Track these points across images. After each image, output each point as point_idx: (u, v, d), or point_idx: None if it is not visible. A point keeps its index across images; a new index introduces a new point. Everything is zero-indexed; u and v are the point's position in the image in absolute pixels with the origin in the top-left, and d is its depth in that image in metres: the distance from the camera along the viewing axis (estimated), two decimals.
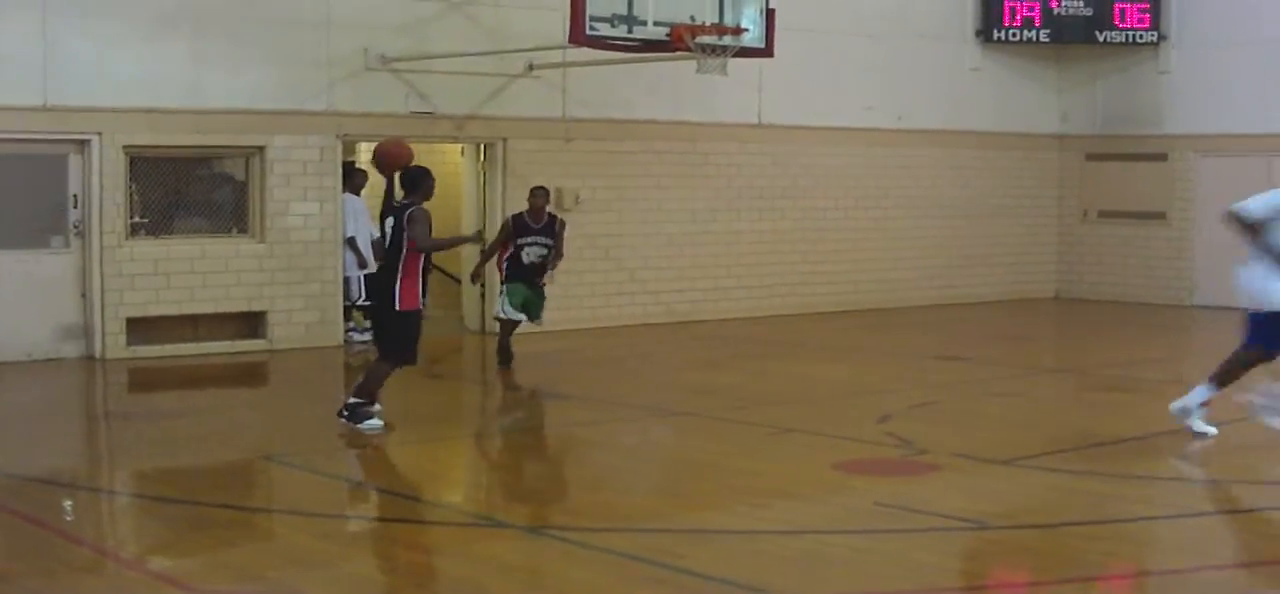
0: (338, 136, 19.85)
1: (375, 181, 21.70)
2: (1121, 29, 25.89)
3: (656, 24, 17.67)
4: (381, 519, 11.42)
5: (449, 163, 22.72)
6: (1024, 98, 26.96)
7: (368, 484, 12.77)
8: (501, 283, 18.23)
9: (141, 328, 18.62)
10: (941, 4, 25.87)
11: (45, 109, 17.86)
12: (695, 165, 22.87)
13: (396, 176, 14.02)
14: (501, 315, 18.04)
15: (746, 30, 18.29)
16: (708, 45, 17.93)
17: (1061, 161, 27.40)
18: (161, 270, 18.72)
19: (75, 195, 18.38)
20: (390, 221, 13.77)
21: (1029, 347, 21.71)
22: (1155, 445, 13.85)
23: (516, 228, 17.92)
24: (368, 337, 20.03)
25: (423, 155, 22.72)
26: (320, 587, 9.08)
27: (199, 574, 9.34)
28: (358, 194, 20.43)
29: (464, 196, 21.65)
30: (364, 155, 22.27)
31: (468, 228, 20.26)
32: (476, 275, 18.78)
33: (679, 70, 19.77)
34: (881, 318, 23.84)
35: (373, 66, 19.84)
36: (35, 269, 18.24)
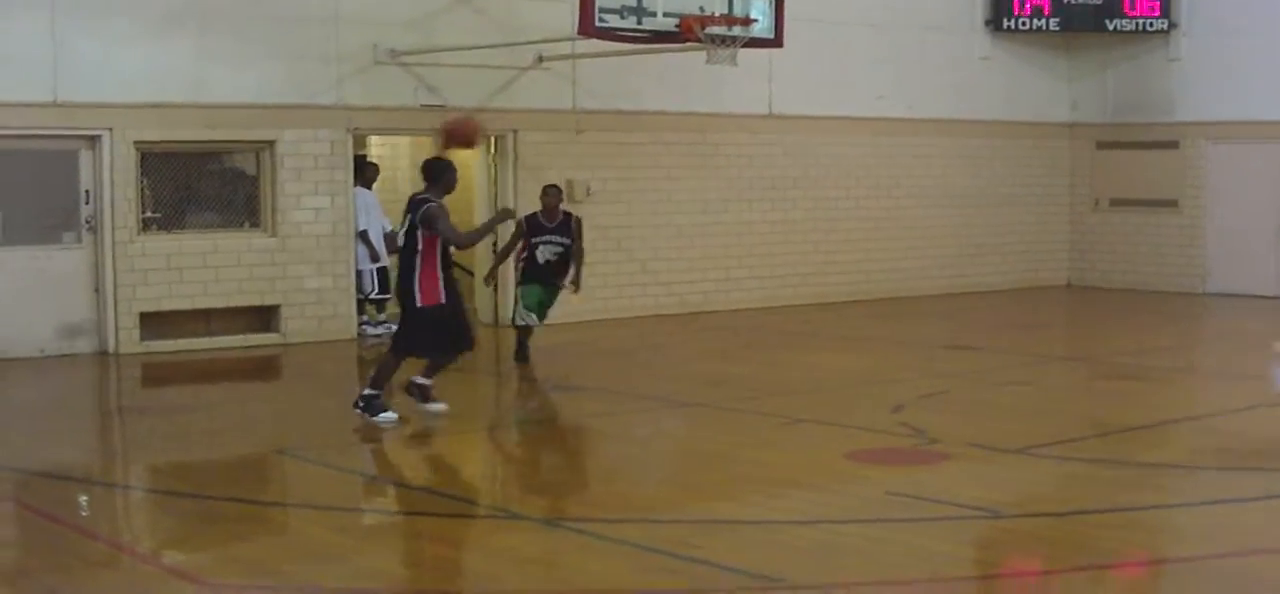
0: (348, 130, 19.86)
1: (386, 175, 21.82)
2: (1131, 17, 25.85)
3: (666, 15, 17.66)
4: (397, 513, 11.44)
5: (459, 156, 22.70)
6: (1034, 87, 26.92)
7: (382, 478, 12.79)
8: (517, 285, 17.84)
9: (154, 323, 18.65)
10: None
11: (55, 105, 17.89)
12: (706, 156, 22.87)
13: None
14: (519, 322, 17.69)
15: (756, 21, 18.28)
16: (717, 36, 17.93)
17: (1072, 150, 27.36)
18: (174, 265, 18.76)
19: (87, 191, 18.41)
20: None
21: (1041, 335, 21.68)
22: (1167, 433, 13.86)
23: (531, 228, 17.49)
24: (382, 329, 20.14)
25: (432, 147, 22.88)
26: (335, 580, 9.09)
27: (213, 569, 9.36)
28: (370, 188, 20.45)
29: (475, 189, 21.64)
30: (375, 149, 22.32)
31: (479, 220, 20.17)
32: (490, 278, 18.27)
33: (689, 61, 19.76)
34: (893, 307, 23.83)
35: (382, 60, 19.86)
36: (48, 265, 18.28)
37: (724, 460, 12.58)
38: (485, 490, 12.36)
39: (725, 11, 18.04)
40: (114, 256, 18.37)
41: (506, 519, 10.85)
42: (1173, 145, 26.00)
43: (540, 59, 20.78)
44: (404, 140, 23.05)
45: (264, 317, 19.47)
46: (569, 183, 20.65)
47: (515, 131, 20.97)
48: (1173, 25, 25.78)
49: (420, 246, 13.51)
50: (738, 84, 21.87)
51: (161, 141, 18.69)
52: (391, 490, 12.23)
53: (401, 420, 13.72)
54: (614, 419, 14.96)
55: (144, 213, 18.73)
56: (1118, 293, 26.17)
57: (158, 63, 18.49)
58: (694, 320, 21.92)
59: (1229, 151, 25.34)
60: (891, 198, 25.10)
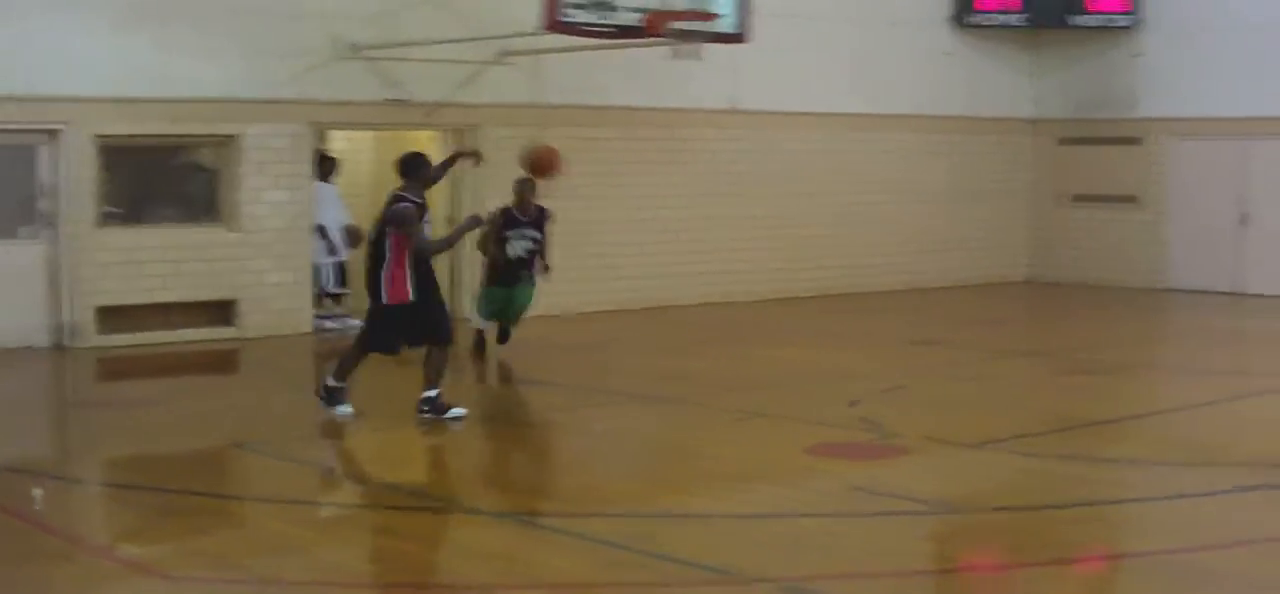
0: (309, 124, 19.78)
1: (347, 170, 21.73)
2: (1096, 13, 25.93)
3: (630, 10, 17.64)
4: (356, 506, 11.40)
5: (421, 151, 22.67)
6: (997, 82, 26.98)
7: (341, 471, 12.75)
8: (483, 284, 17.68)
9: (112, 317, 18.54)
10: None
11: (14, 99, 17.75)
12: (671, 151, 22.85)
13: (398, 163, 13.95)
14: (474, 325, 17.66)
15: (719, 16, 18.29)
16: (682, 31, 17.91)
17: (1035, 146, 27.42)
18: (133, 259, 18.65)
19: (44, 185, 18.29)
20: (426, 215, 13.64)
21: (1001, 330, 21.74)
22: (1128, 428, 13.93)
23: (506, 221, 17.34)
24: (338, 324, 20.09)
25: (394, 141, 22.81)
26: (296, 573, 9.06)
27: (172, 561, 9.32)
28: (330, 182, 20.38)
29: (437, 185, 21.54)
30: (337, 143, 22.21)
31: (442, 213, 20.09)
32: (494, 277, 17.53)
33: (654, 56, 19.72)
34: (855, 302, 23.85)
35: (344, 54, 19.78)
36: (4, 259, 18.13)
37: (685, 455, 12.58)
38: (446, 485, 12.32)
39: (689, 7, 18.03)
40: (72, 251, 18.26)
41: (467, 514, 10.81)
42: (1135, 141, 26.07)
43: (504, 54, 20.72)
44: (366, 135, 22.95)
45: (222, 311, 19.37)
46: (476, 215, 20.60)
47: (478, 127, 20.90)
48: (1137, 21, 25.85)
49: (389, 244, 13.40)
50: (704, 79, 21.85)
51: (122, 135, 18.58)
52: (351, 484, 12.19)
53: (359, 415, 13.67)
54: (575, 413, 14.95)
55: (103, 207, 18.63)
56: (1079, 288, 26.25)
57: (118, 56, 18.38)
58: (657, 315, 21.90)
59: (1191, 148, 25.43)
60: (854, 193, 25.10)
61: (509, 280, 17.40)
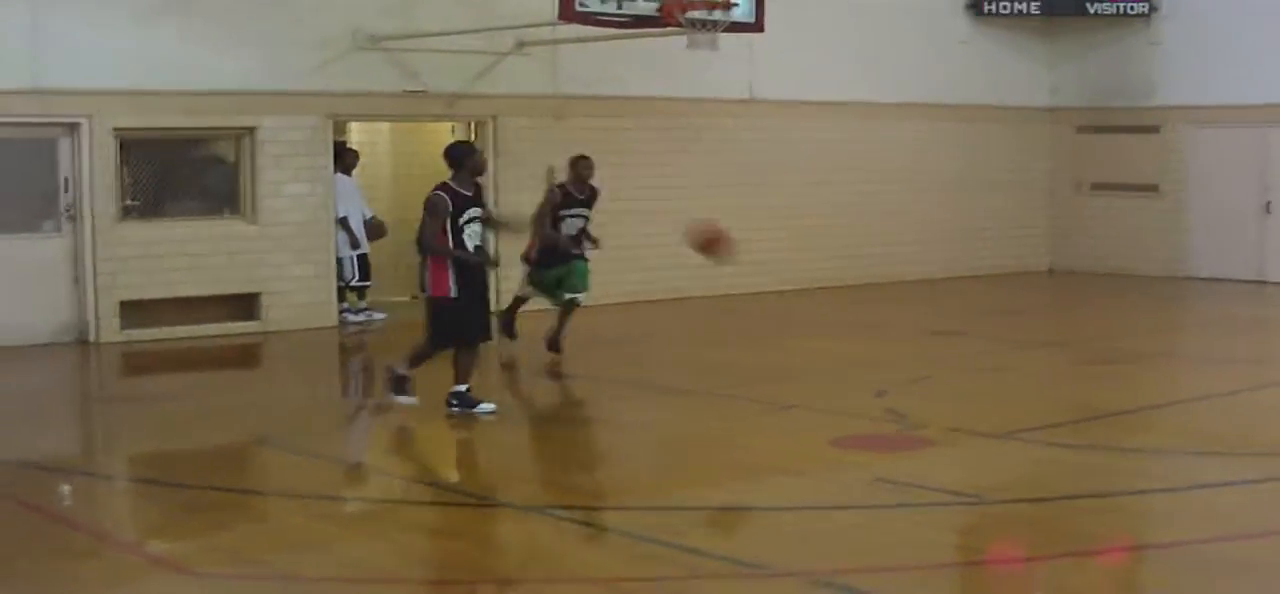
0: (328, 117, 19.80)
1: (367, 161, 21.75)
2: (1112, 1, 25.87)
3: (646, 0, 17.63)
4: (378, 500, 11.39)
5: (439, 142, 22.63)
6: (1014, 71, 26.93)
7: (364, 465, 12.76)
8: (535, 265, 16.96)
9: (135, 311, 18.57)
10: None
11: (34, 92, 17.79)
12: (687, 141, 22.84)
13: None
14: (567, 296, 16.93)
15: (736, 5, 18.25)
16: (698, 20, 17.90)
17: (1053, 134, 27.37)
18: (154, 253, 18.68)
19: (66, 179, 18.32)
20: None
21: (1023, 320, 21.70)
22: (1151, 417, 13.90)
23: (563, 198, 16.84)
24: (362, 317, 20.11)
25: (412, 132, 22.88)
26: (317, 569, 9.06)
27: (195, 557, 9.34)
28: (349, 174, 20.39)
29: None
30: (355, 135, 22.22)
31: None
32: (528, 256, 16.99)
33: (670, 46, 19.71)
34: (876, 292, 23.83)
35: (362, 46, 19.79)
36: (27, 254, 18.17)
37: (709, 447, 12.57)
38: (468, 477, 12.33)
39: None
40: (94, 245, 18.29)
41: (491, 507, 10.82)
42: (1154, 130, 26.02)
43: (521, 44, 20.73)
44: (384, 126, 22.99)
45: (245, 304, 19.40)
46: (550, 168, 20.61)
47: (496, 117, 20.92)
48: (1153, 9, 25.80)
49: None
50: (720, 69, 21.85)
51: (141, 128, 18.61)
52: (373, 479, 12.19)
53: (384, 409, 13.68)
54: (598, 406, 14.96)
55: (123, 201, 18.65)
56: (1100, 277, 26.19)
57: (137, 49, 18.40)
58: (677, 306, 21.89)
59: (1210, 136, 25.36)
60: (873, 183, 25.07)
61: (564, 258, 16.91)
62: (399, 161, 23.44)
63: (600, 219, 20.97)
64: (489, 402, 13.59)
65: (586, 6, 17.50)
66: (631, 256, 22.10)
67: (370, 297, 20.64)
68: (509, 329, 17.45)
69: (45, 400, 15.72)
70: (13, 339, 17.82)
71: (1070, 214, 27.38)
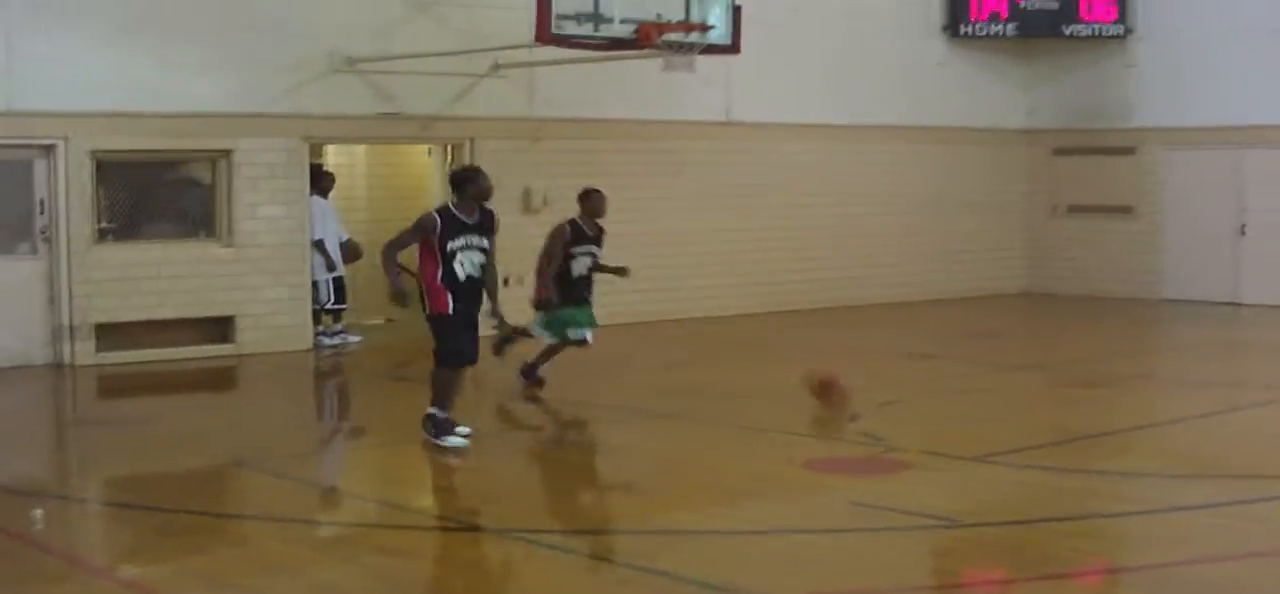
0: (304, 139, 19.77)
1: (343, 184, 21.72)
2: (1088, 23, 25.96)
3: (623, 22, 17.65)
4: (352, 524, 11.35)
5: (416, 164, 22.67)
6: (990, 93, 27.00)
7: (338, 489, 12.72)
8: (553, 306, 15.98)
9: (110, 334, 18.51)
10: None
11: (9, 114, 17.74)
12: (664, 164, 22.84)
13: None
14: (572, 336, 16.24)
15: (712, 27, 18.29)
16: (674, 43, 17.92)
17: (1029, 156, 27.45)
18: (129, 275, 18.63)
19: (41, 201, 18.26)
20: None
21: (999, 343, 21.72)
22: (1127, 440, 13.93)
23: (573, 235, 16.04)
24: (338, 339, 20.07)
25: (388, 155, 22.86)
26: (291, 592, 9.03)
27: (170, 582, 9.29)
28: (325, 196, 20.35)
29: (431, 198, 21.58)
30: (332, 158, 22.18)
31: None
32: (548, 301, 16.01)
33: (647, 68, 19.72)
34: (851, 315, 23.84)
35: (339, 68, 19.77)
36: (2, 276, 18.11)
37: (683, 470, 12.55)
38: (441, 501, 12.29)
39: (682, 18, 18.04)
40: (69, 267, 18.23)
41: (462, 530, 10.79)
42: (1129, 151, 26.10)
43: (497, 66, 20.72)
44: (360, 149, 22.95)
45: (220, 327, 19.35)
46: (526, 190, 20.65)
47: (472, 139, 20.90)
48: (1129, 31, 25.89)
49: (420, 257, 13.24)
50: (696, 91, 21.87)
51: (117, 151, 18.56)
52: (348, 502, 12.16)
53: (360, 433, 13.64)
54: (573, 430, 14.94)
55: (99, 223, 18.60)
56: (1075, 300, 26.25)
57: (113, 71, 18.37)
58: (652, 329, 21.87)
59: (1185, 157, 25.45)
60: (848, 205, 25.10)
61: (578, 298, 16.21)
62: (375, 184, 23.40)
63: None
64: (463, 427, 13.44)
65: (563, 29, 17.52)
66: (608, 280, 22.04)
67: (346, 319, 20.61)
68: (531, 374, 16.55)
69: (18, 423, 15.63)
70: None
71: (1046, 236, 27.44)
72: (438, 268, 12.95)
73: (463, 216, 13.06)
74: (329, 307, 20.27)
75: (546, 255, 16.01)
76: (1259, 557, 9.63)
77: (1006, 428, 14.41)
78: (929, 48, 26.12)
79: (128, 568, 9.74)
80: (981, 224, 26.94)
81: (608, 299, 21.75)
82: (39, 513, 11.29)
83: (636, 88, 21.68)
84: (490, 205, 13.26)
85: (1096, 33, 26.02)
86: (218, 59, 19.04)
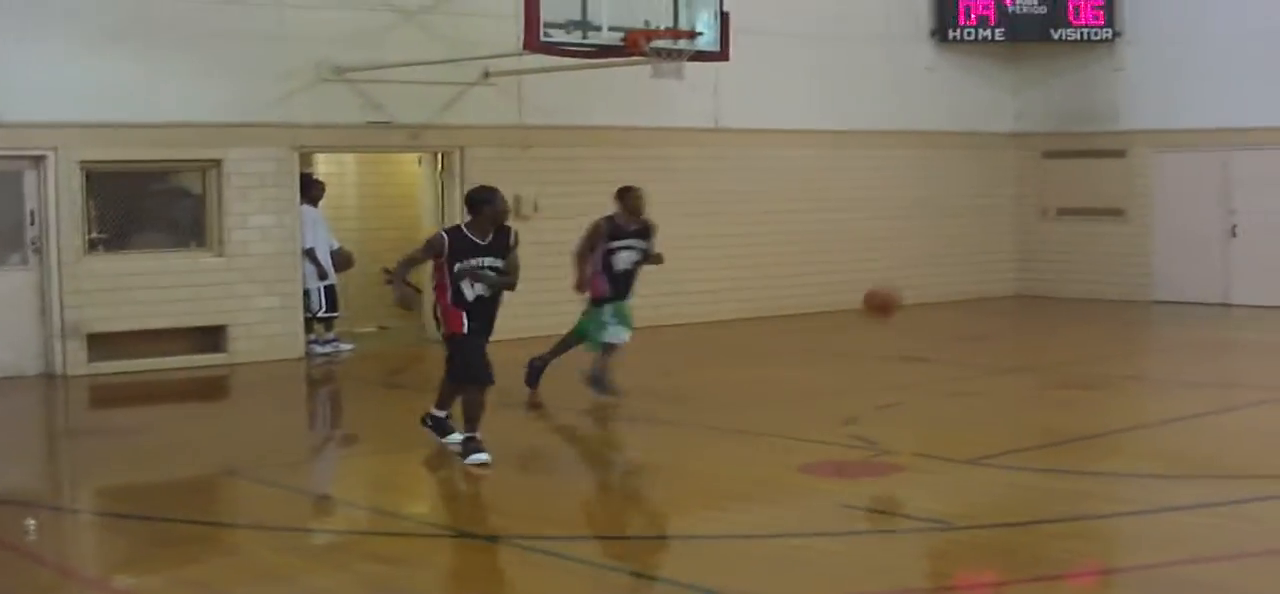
0: (294, 148, 19.77)
1: (333, 193, 21.71)
2: (1076, 27, 26.00)
3: (611, 30, 17.66)
4: (345, 532, 11.35)
5: (406, 173, 22.68)
6: (979, 97, 27.02)
7: (330, 497, 12.71)
8: (606, 298, 15.97)
9: (101, 344, 18.50)
10: (896, 4, 25.91)
11: None
12: (653, 170, 22.73)
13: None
14: (609, 340, 16.10)
15: (701, 34, 18.30)
16: (662, 50, 17.93)
17: (1018, 160, 27.47)
18: (120, 286, 18.62)
19: (32, 212, 18.26)
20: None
21: (990, 346, 21.73)
22: (1119, 441, 13.94)
23: (610, 231, 15.95)
24: (329, 348, 20.07)
25: (378, 163, 22.87)
26: None
27: (163, 591, 9.32)
28: (316, 205, 20.34)
29: (421, 206, 21.61)
30: (322, 166, 22.17)
31: (423, 236, 19.92)
32: (596, 297, 16.04)
33: (636, 75, 19.71)
34: (842, 319, 23.77)
35: (328, 77, 19.77)
36: None
37: (677, 476, 12.55)
38: (434, 509, 12.29)
39: (670, 25, 18.05)
40: (60, 278, 18.22)
41: (456, 538, 10.80)
42: (1119, 154, 26.13)
43: (486, 74, 20.73)
44: (350, 158, 22.95)
45: (211, 336, 19.34)
46: (516, 198, 20.64)
47: (462, 148, 20.90)
48: (1117, 34, 25.93)
49: (433, 276, 13.22)
50: (685, 98, 21.87)
51: (107, 161, 18.56)
52: (340, 510, 12.15)
53: (353, 441, 13.62)
54: (565, 436, 14.93)
55: (90, 233, 18.59)
56: (1066, 302, 26.27)
57: (103, 82, 18.36)
58: (643, 336, 21.77)
59: (1175, 160, 25.48)
60: (838, 210, 25.10)
61: (620, 293, 16.13)
62: (365, 192, 23.42)
63: (563, 247, 20.95)
64: (459, 434, 13.42)
65: (551, 37, 17.52)
66: None
67: (337, 327, 20.61)
68: (599, 382, 16.22)
69: (11, 433, 15.61)
70: None
71: (1036, 239, 27.47)
72: (448, 289, 12.83)
73: (474, 237, 12.84)
74: (321, 314, 20.26)
75: (584, 249, 16.00)
76: (1251, 557, 9.64)
77: (998, 430, 14.44)
78: (917, 52, 26.14)
79: (121, 578, 9.75)
80: (971, 228, 26.96)
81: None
82: (32, 523, 11.24)
83: (625, 95, 21.68)
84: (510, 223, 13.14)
85: (1085, 36, 26.05)
86: (207, 69, 19.03)
